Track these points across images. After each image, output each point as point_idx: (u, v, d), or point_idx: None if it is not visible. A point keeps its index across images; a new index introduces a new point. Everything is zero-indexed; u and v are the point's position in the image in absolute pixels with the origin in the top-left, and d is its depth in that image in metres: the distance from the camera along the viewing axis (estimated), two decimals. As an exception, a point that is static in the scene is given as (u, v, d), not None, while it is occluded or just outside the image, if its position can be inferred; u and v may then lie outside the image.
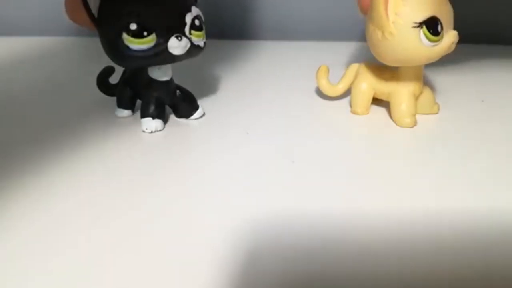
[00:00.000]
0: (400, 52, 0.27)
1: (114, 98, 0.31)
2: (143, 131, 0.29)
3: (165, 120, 0.30)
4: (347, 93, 0.33)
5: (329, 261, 0.19)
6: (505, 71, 0.39)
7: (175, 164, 0.26)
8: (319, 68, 0.33)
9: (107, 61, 0.27)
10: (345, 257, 0.19)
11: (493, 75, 0.38)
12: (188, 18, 0.27)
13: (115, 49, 0.26)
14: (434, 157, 0.26)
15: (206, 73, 0.39)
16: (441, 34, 0.26)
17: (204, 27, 0.28)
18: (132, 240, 0.20)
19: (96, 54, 0.28)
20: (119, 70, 0.32)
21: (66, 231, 0.20)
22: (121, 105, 0.31)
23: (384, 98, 0.31)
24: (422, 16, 0.26)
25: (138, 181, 0.24)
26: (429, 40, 0.26)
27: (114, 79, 0.32)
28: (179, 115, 0.31)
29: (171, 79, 0.29)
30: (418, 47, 0.26)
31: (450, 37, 0.27)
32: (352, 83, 0.32)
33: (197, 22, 0.27)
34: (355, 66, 0.32)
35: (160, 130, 0.29)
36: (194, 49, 0.27)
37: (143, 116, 0.29)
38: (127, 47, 0.26)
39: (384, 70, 0.30)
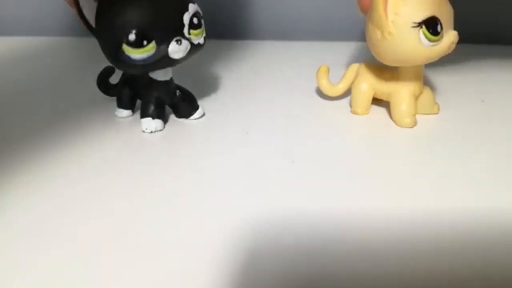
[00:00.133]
0: (399, 52, 0.27)
1: (114, 98, 0.31)
2: (143, 131, 0.29)
3: (165, 120, 0.30)
4: (347, 93, 0.33)
5: (329, 261, 0.19)
6: (505, 71, 0.39)
7: (175, 164, 0.26)
8: (319, 68, 0.33)
9: (107, 61, 0.27)
10: (345, 257, 0.19)
11: (493, 75, 0.38)
12: (186, 18, 0.27)
13: (116, 59, 0.26)
14: (434, 157, 0.26)
15: (206, 73, 0.39)
16: (440, 34, 0.26)
17: (203, 23, 0.28)
18: (132, 240, 0.20)
19: (96, 54, 0.28)
20: (119, 70, 0.32)
21: (66, 231, 0.20)
22: (121, 105, 0.31)
23: (384, 98, 0.31)
24: (421, 16, 0.26)
25: (138, 181, 0.24)
26: (429, 40, 0.26)
27: (114, 79, 0.32)
28: (179, 115, 0.31)
29: (171, 79, 0.29)
30: (418, 47, 0.26)
31: (450, 37, 0.27)
32: (352, 83, 0.32)
33: (195, 20, 0.27)
34: (355, 66, 0.32)
35: (160, 130, 0.29)
36: (194, 48, 0.27)
37: (143, 116, 0.29)
38: (128, 57, 0.26)
39: (384, 70, 0.30)
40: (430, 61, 0.28)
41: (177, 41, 0.26)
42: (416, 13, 0.26)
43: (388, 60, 0.28)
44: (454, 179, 0.24)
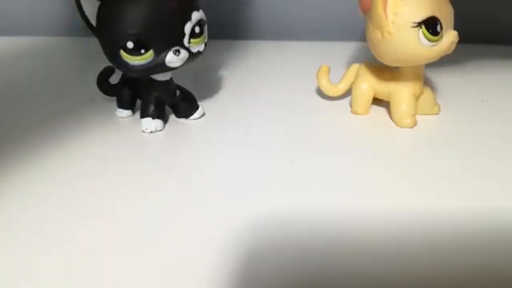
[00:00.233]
0: (399, 52, 0.27)
1: (114, 98, 0.31)
2: (143, 131, 0.29)
3: (165, 120, 0.30)
4: (348, 93, 0.33)
5: (329, 261, 0.19)
6: (505, 71, 0.39)
7: (175, 164, 0.26)
8: (319, 68, 0.33)
9: (107, 61, 0.27)
10: (345, 257, 0.19)
11: (493, 75, 0.38)
12: (188, 28, 0.26)
13: (115, 62, 0.26)
14: (434, 157, 0.26)
15: (206, 73, 0.39)
16: (440, 34, 0.26)
17: (205, 30, 0.28)
18: (132, 240, 0.20)
19: (96, 54, 0.28)
20: (119, 70, 0.32)
21: (66, 231, 0.20)
22: (121, 105, 0.31)
23: (384, 98, 0.31)
24: (421, 16, 0.26)
25: (138, 181, 0.24)
26: (429, 40, 0.26)
27: (114, 79, 0.32)
28: (179, 115, 0.31)
29: (171, 79, 0.29)
30: (418, 47, 0.26)
31: (450, 37, 0.27)
32: (353, 83, 0.32)
33: (197, 30, 0.27)
34: (355, 66, 0.32)
35: (160, 130, 0.29)
36: (193, 56, 0.27)
37: (143, 116, 0.29)
38: (126, 62, 0.26)
39: (384, 70, 0.30)
40: (430, 61, 0.28)
41: (175, 51, 0.26)
42: (416, 13, 0.26)
43: (388, 60, 0.28)
44: (454, 179, 0.24)
